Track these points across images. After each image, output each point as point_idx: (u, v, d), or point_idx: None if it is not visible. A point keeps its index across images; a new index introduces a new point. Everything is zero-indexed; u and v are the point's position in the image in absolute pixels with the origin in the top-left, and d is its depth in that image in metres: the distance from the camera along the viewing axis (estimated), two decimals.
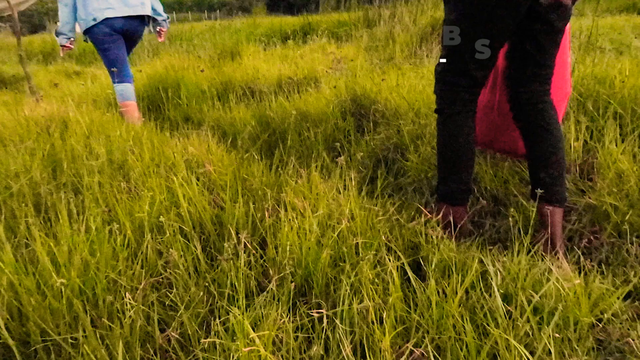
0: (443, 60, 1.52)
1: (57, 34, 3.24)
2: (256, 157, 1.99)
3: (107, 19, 3.09)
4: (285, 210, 1.48)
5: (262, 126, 3.02)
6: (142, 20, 3.29)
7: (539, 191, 1.43)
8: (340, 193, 1.61)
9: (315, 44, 6.49)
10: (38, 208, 1.69)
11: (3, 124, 2.55)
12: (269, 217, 1.41)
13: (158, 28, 3.57)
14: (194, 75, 4.00)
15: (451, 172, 1.56)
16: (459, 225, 1.58)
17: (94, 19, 3.08)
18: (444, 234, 1.56)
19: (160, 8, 3.46)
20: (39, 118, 2.58)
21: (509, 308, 1.17)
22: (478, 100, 1.57)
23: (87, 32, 3.16)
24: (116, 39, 3.18)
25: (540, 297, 1.19)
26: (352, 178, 1.62)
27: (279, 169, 2.06)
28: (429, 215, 1.56)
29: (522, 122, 1.52)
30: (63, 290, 1.10)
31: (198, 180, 1.77)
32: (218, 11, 48.74)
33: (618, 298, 1.26)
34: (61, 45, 3.25)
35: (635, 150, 1.97)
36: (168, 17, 3.59)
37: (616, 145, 1.95)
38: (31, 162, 1.93)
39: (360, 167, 2.36)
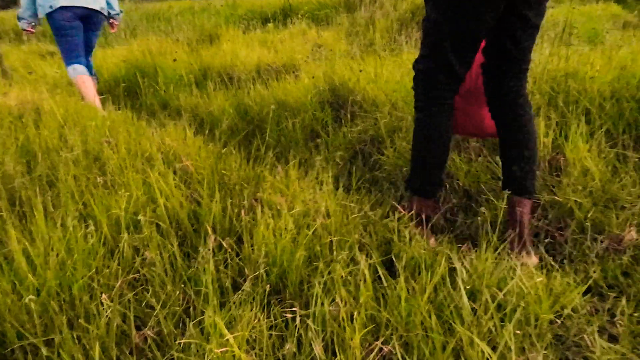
0: (423, 57, 1.54)
1: (19, 18, 3.35)
2: (234, 150, 2.00)
3: (62, 7, 3.21)
4: (262, 207, 1.51)
5: (241, 115, 3.02)
6: (97, 12, 3.40)
7: (510, 187, 1.49)
8: (317, 190, 1.64)
9: (296, 27, 6.44)
10: (12, 201, 1.68)
11: None
12: (245, 215, 1.43)
13: (111, 20, 3.68)
14: (172, 61, 3.95)
15: (424, 168, 1.60)
16: (431, 218, 1.62)
17: (51, 6, 3.20)
18: (416, 227, 1.61)
19: (114, 2, 3.60)
20: (12, 106, 2.53)
21: (474, 306, 1.22)
22: None
23: (48, 17, 3.25)
24: (75, 26, 3.29)
25: (504, 295, 1.25)
26: (330, 175, 1.65)
27: (258, 161, 2.08)
28: (402, 212, 1.61)
29: (498, 116, 1.56)
30: (39, 290, 1.12)
31: (175, 174, 1.78)
32: None
33: (578, 294, 1.32)
34: (23, 29, 3.37)
35: (602, 146, 2.05)
36: (121, 12, 3.74)
37: (587, 142, 2.02)
38: (4, 153, 1.91)
39: (337, 159, 2.39)
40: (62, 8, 3.20)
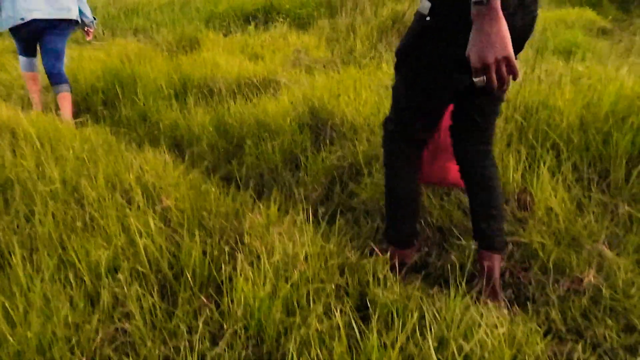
0: (391, 120, 1.63)
1: None
2: (213, 186, 2.03)
3: (34, 20, 3.31)
4: (242, 252, 1.55)
5: (220, 133, 3.03)
6: (69, 22, 3.51)
7: (479, 241, 1.56)
8: (296, 234, 1.68)
9: (277, 31, 6.43)
10: None
11: None
12: (226, 265, 1.48)
13: (86, 28, 3.83)
14: (150, 70, 3.92)
15: (397, 219, 1.69)
16: (405, 265, 1.70)
17: (22, 19, 3.28)
18: (391, 272, 1.68)
19: (87, 11, 3.72)
20: None
21: (440, 357, 1.30)
22: None
23: (13, 29, 3.38)
24: (34, 35, 3.44)
25: (470, 346, 1.32)
26: (309, 218, 1.70)
27: (239, 190, 2.12)
28: (379, 254, 1.67)
29: (465, 175, 1.63)
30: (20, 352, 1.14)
31: (155, 212, 1.81)
32: None
33: (540, 340, 1.41)
34: None
35: (568, 180, 2.14)
36: (95, 19, 3.90)
37: (553, 177, 2.11)
38: None
39: (316, 185, 2.44)
40: (29, 23, 3.31)
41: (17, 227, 1.72)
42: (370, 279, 1.56)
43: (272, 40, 5.75)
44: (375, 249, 1.69)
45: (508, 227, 1.94)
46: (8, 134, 2.52)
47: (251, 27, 6.41)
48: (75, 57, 5.35)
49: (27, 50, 3.59)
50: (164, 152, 2.49)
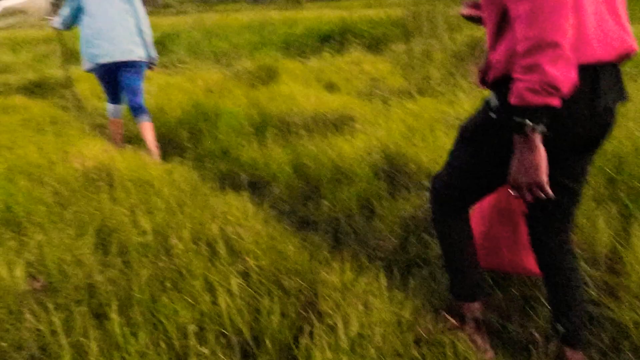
0: (441, 178, 1.61)
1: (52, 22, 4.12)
2: (289, 229, 2.09)
3: (103, 64, 3.71)
4: (318, 318, 1.60)
5: (298, 173, 3.12)
6: (136, 61, 3.82)
7: (559, 335, 1.49)
8: (371, 299, 1.70)
9: (351, 55, 6.51)
10: (91, 293, 1.84)
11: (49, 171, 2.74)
12: (302, 335, 1.52)
13: (150, 64, 4.07)
14: (232, 104, 4.11)
15: (456, 272, 1.67)
16: (480, 322, 1.66)
17: (96, 63, 3.72)
18: (471, 332, 1.65)
19: (152, 51, 3.97)
20: (88, 169, 2.75)
21: None
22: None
23: (92, 71, 3.85)
24: (111, 76, 3.81)
25: None
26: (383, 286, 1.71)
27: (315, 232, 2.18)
28: (451, 322, 1.65)
29: (542, 269, 1.56)
30: None
31: (236, 267, 1.89)
32: None
33: None
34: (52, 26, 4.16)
35: None
36: (157, 57, 4.12)
37: None
38: (81, 235, 2.09)
39: (390, 235, 2.44)
40: (102, 64, 3.72)
41: (113, 277, 1.87)
42: (449, 352, 1.55)
43: (346, 67, 5.83)
44: (450, 319, 1.66)
45: (596, 296, 1.84)
46: (105, 176, 2.75)
47: (326, 53, 6.51)
48: (163, 85, 5.73)
49: (111, 95, 3.93)
50: (245, 197, 2.61)
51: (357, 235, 2.53)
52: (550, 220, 1.48)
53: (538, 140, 1.13)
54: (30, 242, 2.03)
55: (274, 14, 12.69)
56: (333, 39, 8.19)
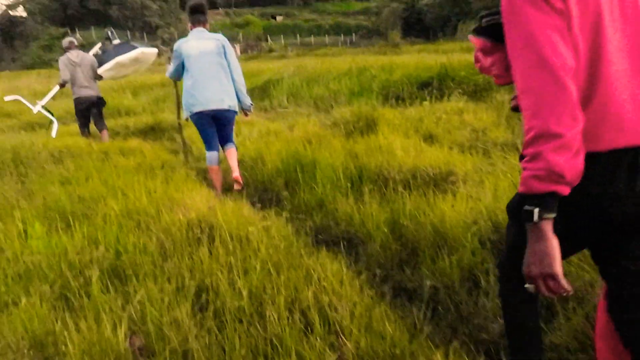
0: (502, 255, 1.60)
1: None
2: (385, 299, 1.96)
3: (197, 111, 4.14)
4: None
5: (394, 232, 2.99)
6: (227, 110, 4.21)
7: None
8: None
9: (451, 104, 6.33)
10: (185, 356, 1.84)
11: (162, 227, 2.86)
12: None
13: (244, 111, 4.47)
14: (329, 156, 4.12)
15: (519, 351, 1.59)
16: None
17: (190, 111, 4.19)
18: None
19: (246, 99, 4.36)
20: (190, 220, 2.84)
21: None
22: None
23: (188, 117, 4.32)
24: (206, 123, 4.21)
25: None
26: None
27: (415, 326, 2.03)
28: None
29: (628, 350, 1.32)
30: None
31: (331, 344, 1.80)
32: (354, 35, 50.21)
33: None
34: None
35: None
36: (251, 104, 4.52)
37: None
38: (180, 297, 2.12)
39: (498, 314, 2.21)
40: (195, 114, 4.16)
41: (209, 344, 1.85)
42: None
43: (446, 117, 5.66)
44: None
45: None
46: (206, 228, 2.82)
47: (426, 102, 6.39)
48: (263, 132, 5.94)
49: (207, 142, 4.30)
50: (340, 258, 2.53)
51: (458, 310, 2.33)
52: (625, 284, 1.30)
53: (548, 229, 1.12)
54: (134, 298, 2.09)
55: (372, 59, 12.87)
56: (432, 86, 8.05)
